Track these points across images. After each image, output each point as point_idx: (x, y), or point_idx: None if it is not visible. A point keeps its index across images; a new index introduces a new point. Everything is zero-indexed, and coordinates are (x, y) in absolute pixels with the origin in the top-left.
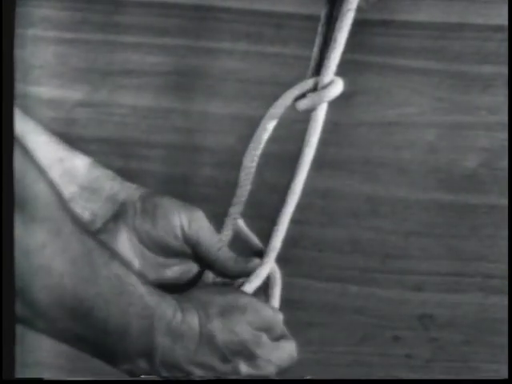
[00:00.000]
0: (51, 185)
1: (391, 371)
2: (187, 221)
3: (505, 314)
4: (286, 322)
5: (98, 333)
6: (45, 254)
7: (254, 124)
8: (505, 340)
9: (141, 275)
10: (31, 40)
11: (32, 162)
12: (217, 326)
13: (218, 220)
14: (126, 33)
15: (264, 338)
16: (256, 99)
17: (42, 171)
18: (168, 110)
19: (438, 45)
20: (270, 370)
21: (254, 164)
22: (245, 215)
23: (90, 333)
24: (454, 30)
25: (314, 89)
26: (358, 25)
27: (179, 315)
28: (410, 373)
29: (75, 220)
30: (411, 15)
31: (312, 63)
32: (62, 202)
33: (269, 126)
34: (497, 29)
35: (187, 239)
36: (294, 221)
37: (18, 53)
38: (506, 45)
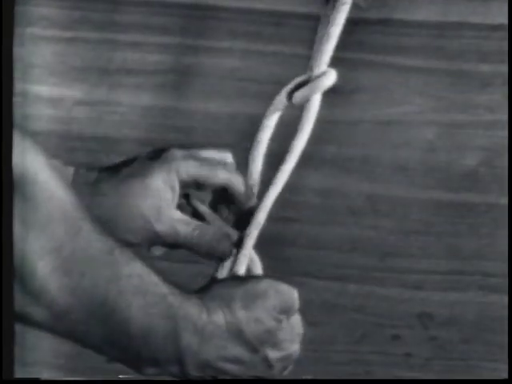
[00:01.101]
0: (66, 184)
1: (390, 370)
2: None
3: (504, 313)
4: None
5: (121, 336)
6: (62, 254)
7: (253, 122)
8: (504, 338)
9: (163, 275)
10: (30, 39)
11: (43, 162)
12: (242, 319)
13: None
14: (124, 32)
15: (284, 320)
16: (255, 98)
17: (54, 171)
18: (167, 109)
19: (437, 43)
20: (294, 349)
21: (259, 164)
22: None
23: (113, 336)
24: (453, 29)
25: (307, 81)
26: (358, 23)
27: (204, 315)
28: (410, 371)
29: (94, 219)
30: (410, 14)
31: (311, 62)
32: (79, 202)
33: (269, 124)
34: (496, 27)
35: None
36: (293, 219)
37: (17, 51)
38: (505, 43)
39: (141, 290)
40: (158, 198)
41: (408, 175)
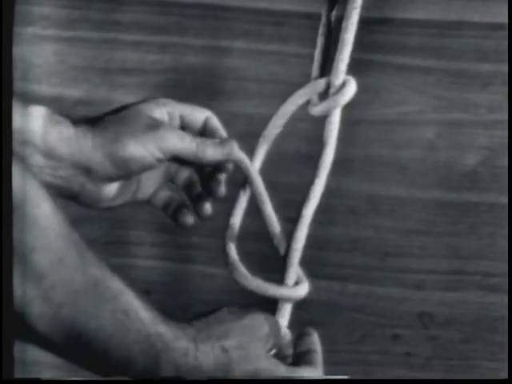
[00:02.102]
0: (54, 211)
1: (391, 369)
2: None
3: (504, 312)
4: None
5: (99, 362)
6: (44, 283)
7: (253, 122)
8: (504, 338)
9: (153, 311)
10: (30, 38)
11: (33, 185)
12: (233, 358)
13: (216, 218)
14: (125, 31)
15: (279, 363)
16: (255, 97)
17: (43, 195)
18: None
19: (438, 43)
20: None
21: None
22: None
23: (91, 361)
24: (453, 28)
25: (327, 89)
26: (358, 23)
27: (191, 359)
28: (410, 371)
29: (81, 251)
30: (411, 13)
31: (315, 64)
32: (67, 230)
33: (279, 123)
34: (496, 27)
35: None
36: (293, 219)
37: (17, 51)
38: (505, 43)
39: (124, 326)
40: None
41: (408, 175)
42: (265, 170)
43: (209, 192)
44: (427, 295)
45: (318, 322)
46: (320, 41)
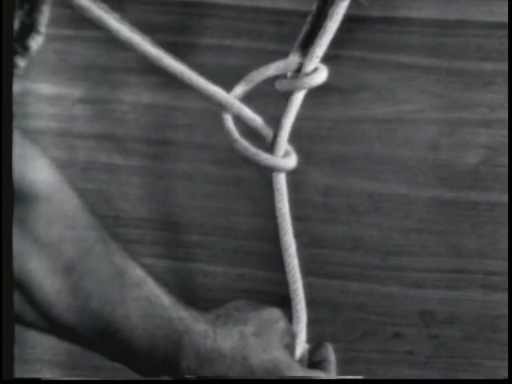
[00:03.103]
0: (81, 203)
1: (392, 368)
2: None
3: (505, 311)
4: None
5: (122, 351)
6: (73, 274)
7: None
8: (506, 337)
9: (173, 296)
10: None
11: (59, 181)
12: (251, 346)
13: (220, 215)
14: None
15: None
16: (257, 96)
17: (70, 189)
18: (168, 107)
19: (439, 42)
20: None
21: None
22: (240, 210)
23: (115, 350)
24: (454, 27)
25: (298, 71)
26: (359, 21)
27: (210, 341)
28: (411, 369)
29: (106, 240)
30: (412, 12)
31: (296, 44)
32: (93, 220)
33: (240, 90)
34: (497, 26)
35: None
36: (295, 217)
37: None
38: (506, 42)
39: (147, 312)
40: None
41: (409, 173)
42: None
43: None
44: (428, 294)
45: (318, 320)
46: (305, 28)
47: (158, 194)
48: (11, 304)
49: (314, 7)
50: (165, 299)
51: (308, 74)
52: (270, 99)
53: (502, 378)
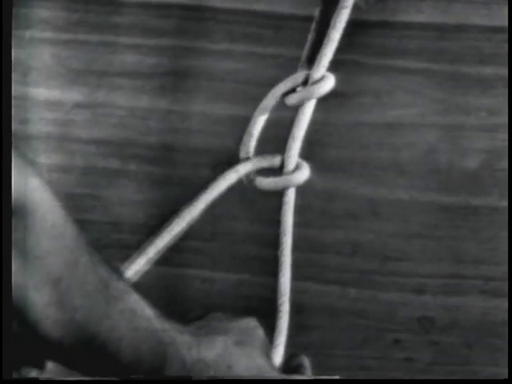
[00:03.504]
0: (66, 215)
1: (392, 374)
2: None
3: (506, 317)
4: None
5: (108, 364)
6: (60, 286)
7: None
8: (506, 343)
9: (156, 310)
10: (29, 41)
11: (45, 192)
12: (234, 353)
13: (218, 220)
14: (123, 34)
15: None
16: (254, 101)
17: (55, 200)
18: (166, 112)
19: (438, 46)
20: None
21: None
22: (238, 216)
23: (101, 363)
24: (453, 31)
25: (305, 83)
26: (358, 26)
27: (194, 352)
28: (411, 376)
29: (91, 251)
30: (411, 16)
31: (303, 58)
32: (78, 232)
33: (260, 119)
34: (497, 30)
35: None
36: (294, 223)
37: (16, 54)
38: (506, 46)
39: (133, 324)
40: None
41: (409, 178)
42: None
43: None
44: (428, 299)
45: (317, 326)
46: (311, 37)
47: (156, 200)
48: (11, 304)
49: (316, 13)
50: (149, 311)
51: (315, 83)
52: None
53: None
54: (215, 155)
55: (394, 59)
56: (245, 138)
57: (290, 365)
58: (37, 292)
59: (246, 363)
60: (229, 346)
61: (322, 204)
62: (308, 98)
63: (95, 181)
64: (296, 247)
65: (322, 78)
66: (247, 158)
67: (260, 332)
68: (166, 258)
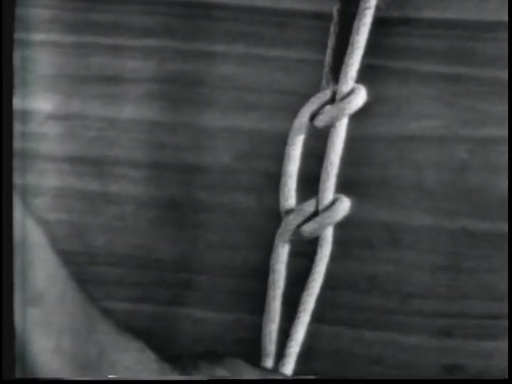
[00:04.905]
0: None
1: None
2: None
3: None
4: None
5: None
6: (43, 305)
7: (252, 139)
8: None
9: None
10: None
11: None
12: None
13: (212, 250)
14: (103, 34)
15: None
16: (255, 110)
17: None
18: (152, 123)
19: (469, 47)
20: None
21: (293, 196)
22: (239, 243)
23: None
24: (488, 30)
25: (332, 100)
26: (376, 24)
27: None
28: None
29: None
30: (438, 12)
31: (326, 69)
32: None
33: (295, 153)
34: None
35: None
36: (301, 254)
37: None
38: None
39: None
40: None
41: (434, 201)
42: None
43: None
44: (457, 344)
45: (327, 374)
46: (331, 42)
47: (140, 226)
48: (11, 304)
49: (334, 13)
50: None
51: (344, 98)
52: None
53: None
54: (210, 174)
55: (417, 62)
56: (283, 181)
57: None
58: (19, 312)
59: None
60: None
61: (333, 231)
62: (338, 117)
63: (70, 204)
64: (303, 282)
65: (351, 92)
66: (291, 210)
67: None
68: (152, 295)
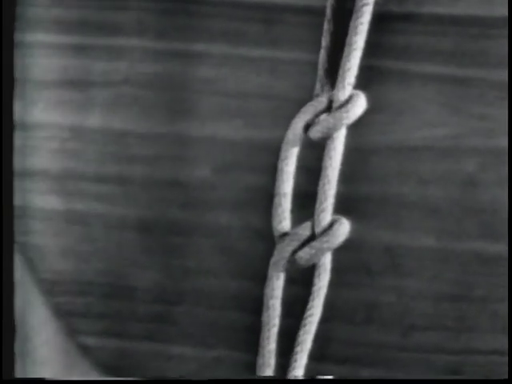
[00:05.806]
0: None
1: None
2: None
3: None
4: None
5: None
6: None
7: (235, 149)
8: None
9: None
10: None
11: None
12: None
13: (189, 277)
14: (67, 32)
15: None
16: (238, 117)
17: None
18: (123, 133)
19: (479, 46)
20: None
21: (287, 218)
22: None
23: None
24: (499, 27)
25: (328, 109)
26: (375, 20)
27: None
28: None
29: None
30: (444, 7)
31: (320, 72)
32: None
33: (288, 169)
34: None
35: None
36: (293, 281)
37: None
38: None
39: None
40: None
41: (440, 220)
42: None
43: None
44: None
45: None
46: (325, 41)
47: (107, 249)
48: (11, 303)
49: (328, 7)
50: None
51: (342, 106)
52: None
53: None
54: (186, 189)
55: (420, 64)
56: (276, 204)
57: None
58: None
59: None
60: None
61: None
62: (335, 128)
63: (29, 225)
64: (290, 313)
65: (349, 99)
66: (285, 235)
67: None
68: (121, 328)
